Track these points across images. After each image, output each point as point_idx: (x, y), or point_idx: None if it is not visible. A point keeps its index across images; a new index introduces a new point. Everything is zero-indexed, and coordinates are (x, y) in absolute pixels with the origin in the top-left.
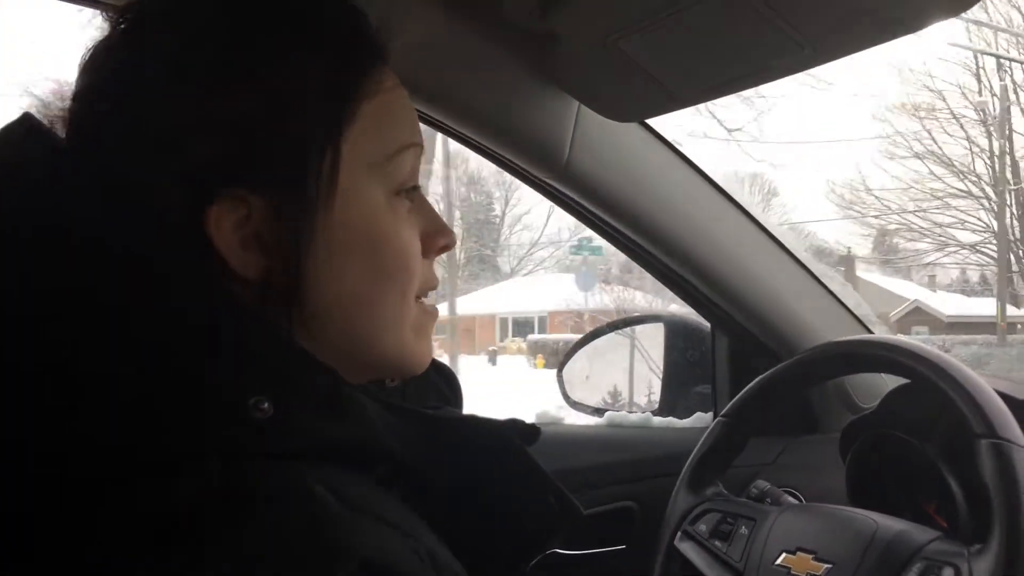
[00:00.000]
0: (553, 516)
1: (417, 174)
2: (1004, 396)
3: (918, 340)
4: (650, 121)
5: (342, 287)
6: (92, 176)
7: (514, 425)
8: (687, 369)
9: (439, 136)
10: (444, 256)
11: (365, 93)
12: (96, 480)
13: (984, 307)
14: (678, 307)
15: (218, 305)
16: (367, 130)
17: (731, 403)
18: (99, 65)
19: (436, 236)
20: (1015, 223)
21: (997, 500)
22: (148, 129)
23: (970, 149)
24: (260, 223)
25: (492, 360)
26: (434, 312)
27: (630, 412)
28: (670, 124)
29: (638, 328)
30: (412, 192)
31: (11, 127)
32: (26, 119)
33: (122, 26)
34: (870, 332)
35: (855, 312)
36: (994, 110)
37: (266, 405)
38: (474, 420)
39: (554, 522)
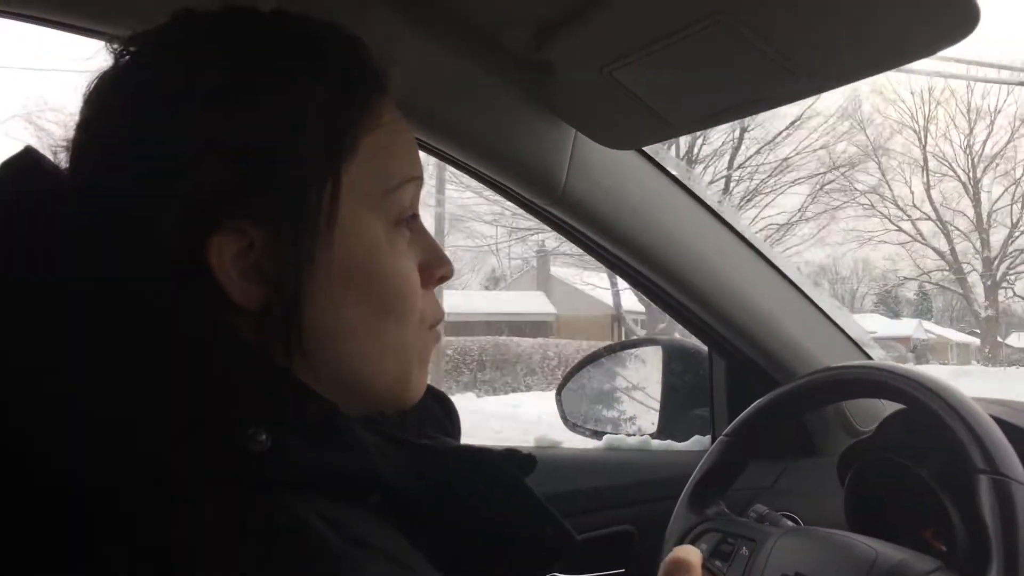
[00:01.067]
0: (550, 546)
1: (417, 204)
2: (1000, 422)
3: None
4: (647, 147)
5: (341, 319)
6: (94, 207)
7: (511, 455)
8: (685, 392)
9: None
10: None
11: (366, 126)
12: (91, 511)
13: None
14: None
15: (216, 336)
16: (367, 163)
17: (733, 423)
18: (103, 95)
19: (434, 266)
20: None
21: (996, 537)
22: (151, 158)
23: None
24: (260, 254)
25: None
26: (439, 341)
27: (628, 435)
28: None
29: (636, 351)
30: (411, 221)
31: (13, 161)
32: (27, 153)
33: (126, 57)
34: (868, 356)
35: (852, 337)
36: None
37: (263, 437)
38: (470, 451)
39: (550, 552)
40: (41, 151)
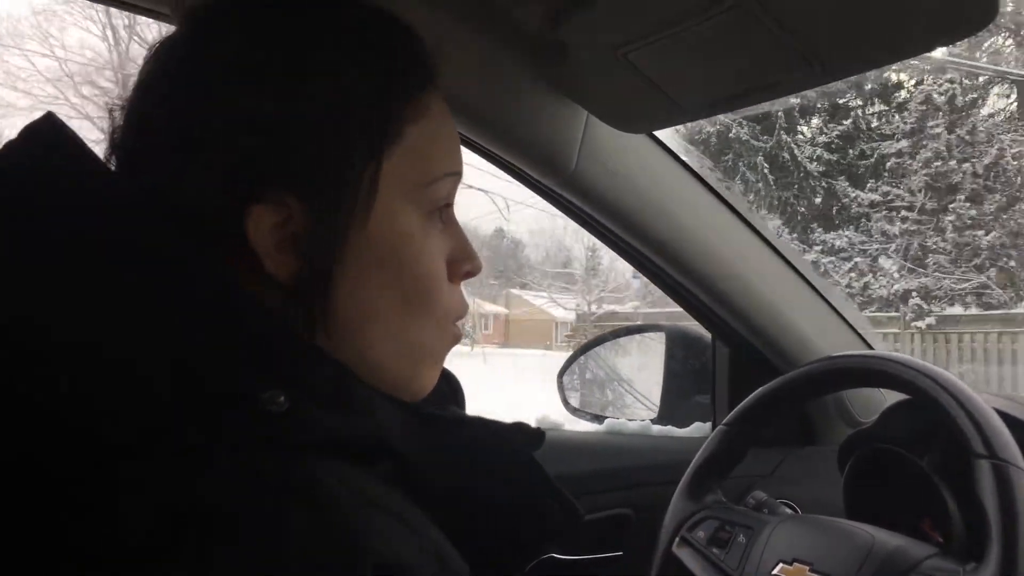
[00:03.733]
0: (554, 518)
1: (452, 198)
2: (1003, 415)
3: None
4: (658, 132)
5: (366, 302)
6: (125, 175)
7: (519, 428)
8: (687, 379)
9: None
10: None
11: (411, 116)
12: (111, 472)
13: None
14: None
15: (238, 301)
16: (410, 153)
17: (733, 412)
18: (161, 60)
19: (463, 261)
20: None
21: (994, 520)
22: (200, 123)
23: None
24: (297, 227)
25: None
26: (460, 337)
27: (629, 420)
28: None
29: (639, 336)
30: (445, 211)
31: (35, 126)
32: (49, 119)
33: (187, 24)
34: (870, 346)
35: (855, 326)
36: None
37: (281, 399)
38: (480, 421)
39: (555, 524)
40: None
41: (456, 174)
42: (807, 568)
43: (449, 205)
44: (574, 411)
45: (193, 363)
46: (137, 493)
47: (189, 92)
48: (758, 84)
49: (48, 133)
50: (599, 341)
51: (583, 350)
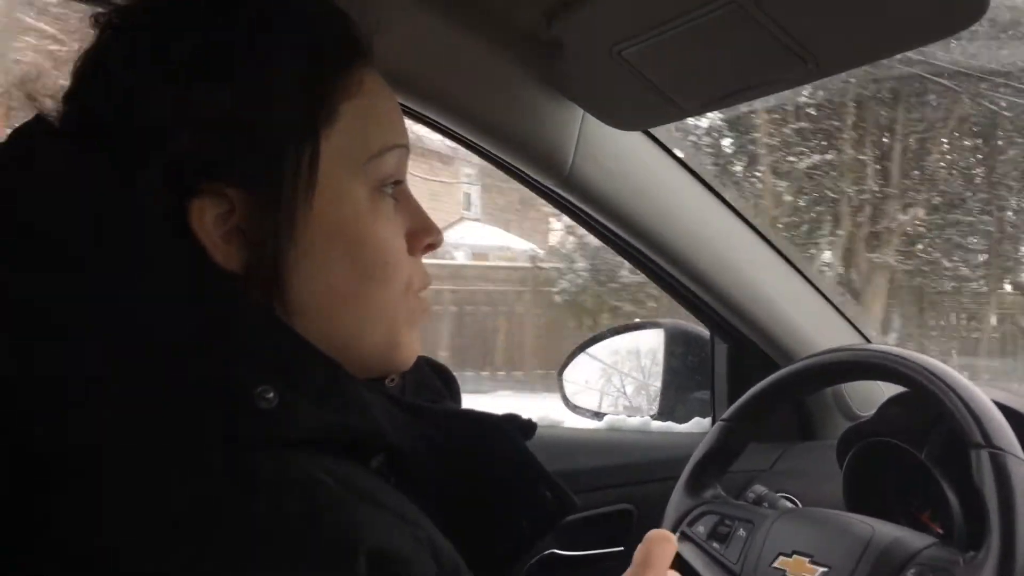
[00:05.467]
0: (548, 509)
1: (403, 171)
2: (1001, 407)
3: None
4: (654, 130)
5: (323, 283)
6: (96, 175)
7: (512, 420)
8: (686, 375)
9: None
10: None
11: (345, 93)
12: (102, 470)
13: None
14: None
15: (220, 296)
16: (348, 130)
17: (731, 407)
18: (89, 64)
19: (422, 234)
20: None
21: (992, 509)
22: (132, 125)
23: None
24: (241, 217)
25: None
26: (427, 307)
27: (629, 417)
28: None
29: (638, 333)
30: (396, 187)
31: (25, 129)
32: (39, 121)
33: (111, 27)
34: (867, 340)
35: (852, 320)
36: None
37: (271, 395)
38: (471, 414)
39: (549, 515)
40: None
41: (400, 146)
42: (807, 560)
43: (400, 181)
44: (575, 408)
45: (181, 360)
46: (124, 495)
47: (113, 99)
48: (753, 81)
49: (37, 135)
50: (598, 338)
51: (582, 347)
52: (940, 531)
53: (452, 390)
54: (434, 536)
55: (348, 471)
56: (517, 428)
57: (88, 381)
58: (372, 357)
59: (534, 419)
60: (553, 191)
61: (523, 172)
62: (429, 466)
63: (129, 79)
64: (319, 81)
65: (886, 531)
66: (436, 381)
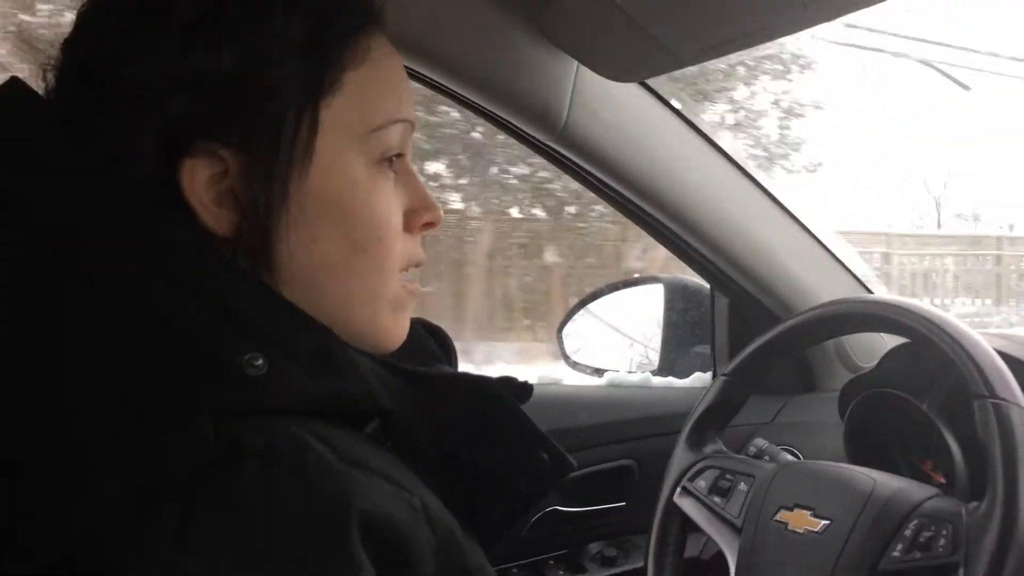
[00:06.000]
0: (546, 472)
1: (406, 146)
2: (1003, 355)
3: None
4: (650, 81)
5: (314, 254)
6: (75, 135)
7: (507, 382)
8: (686, 330)
9: None
10: None
11: (351, 61)
12: (88, 440)
13: None
14: None
15: (207, 261)
16: (351, 99)
17: (732, 362)
18: (89, 17)
19: (421, 212)
20: None
21: (995, 459)
22: (127, 82)
23: None
24: (234, 180)
25: None
26: (415, 290)
27: (629, 373)
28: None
29: (637, 289)
30: (398, 161)
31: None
32: (13, 83)
33: None
34: (869, 291)
35: (854, 271)
36: None
37: (260, 362)
38: (467, 378)
39: (547, 477)
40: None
41: (405, 121)
42: (808, 513)
43: (402, 155)
44: (574, 365)
45: (164, 327)
46: (113, 466)
47: (111, 53)
48: (751, 27)
49: (11, 99)
50: (597, 295)
51: (581, 304)
52: (942, 481)
53: (448, 352)
54: (428, 501)
55: (341, 437)
56: (513, 391)
57: (73, 349)
58: (355, 335)
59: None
60: (548, 146)
61: (518, 128)
62: (424, 430)
63: (126, 36)
64: (324, 47)
65: (888, 482)
66: (432, 343)
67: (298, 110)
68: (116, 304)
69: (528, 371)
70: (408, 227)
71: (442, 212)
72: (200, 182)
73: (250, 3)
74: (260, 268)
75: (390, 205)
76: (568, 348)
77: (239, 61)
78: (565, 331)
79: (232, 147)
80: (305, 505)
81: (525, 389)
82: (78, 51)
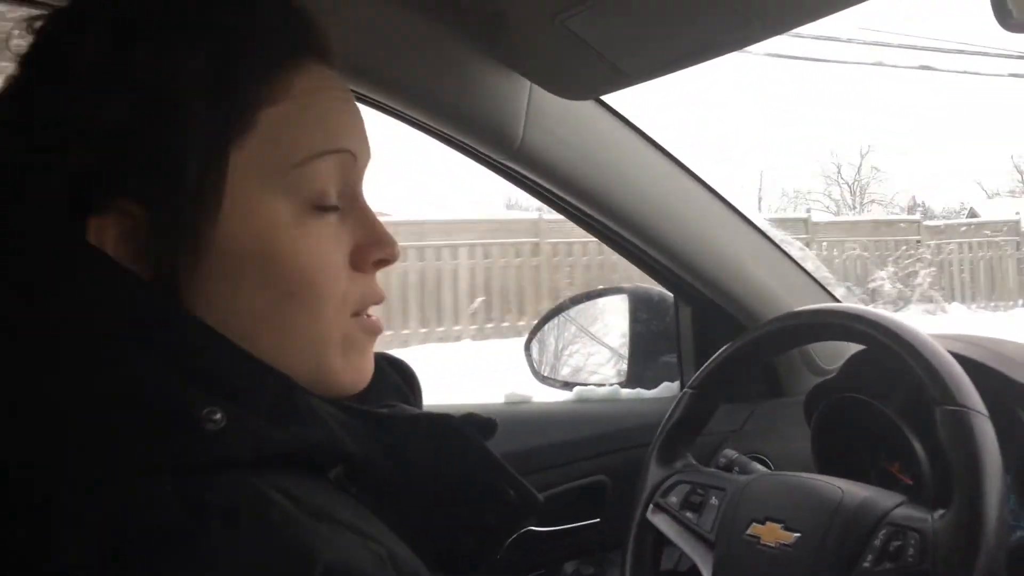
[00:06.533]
0: (513, 508)
1: (349, 179)
2: (959, 357)
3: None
4: (606, 96)
5: (237, 304)
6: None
7: (470, 420)
8: (652, 340)
9: None
10: None
11: (266, 99)
12: (47, 500)
13: None
14: None
15: (158, 314)
16: (267, 138)
17: (697, 374)
18: (12, 73)
19: (371, 249)
20: None
21: (957, 467)
22: (34, 137)
23: None
24: (144, 235)
25: None
26: (374, 328)
27: (598, 386)
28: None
29: (602, 300)
30: (344, 197)
31: None
32: None
33: (35, 35)
34: (833, 296)
35: (816, 277)
36: None
37: (218, 416)
38: (429, 418)
39: (515, 514)
40: None
41: (337, 152)
42: (779, 526)
43: (347, 193)
44: (543, 379)
45: (122, 385)
46: (73, 526)
47: (22, 107)
48: (699, 44)
49: None
50: (561, 308)
51: (546, 318)
52: (910, 482)
53: (412, 387)
54: (395, 548)
55: (304, 487)
56: (477, 427)
57: (28, 406)
58: (305, 382)
59: (493, 417)
60: (504, 164)
61: (472, 147)
62: (389, 472)
63: (26, 91)
64: (233, 87)
65: (855, 492)
66: (396, 378)
67: (202, 156)
68: (68, 360)
69: None
70: (358, 266)
71: (397, 248)
72: (110, 240)
73: (150, 47)
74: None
75: (323, 247)
76: (536, 363)
77: (136, 110)
78: (532, 346)
79: (138, 200)
80: (269, 562)
81: (489, 426)
82: (3, 106)
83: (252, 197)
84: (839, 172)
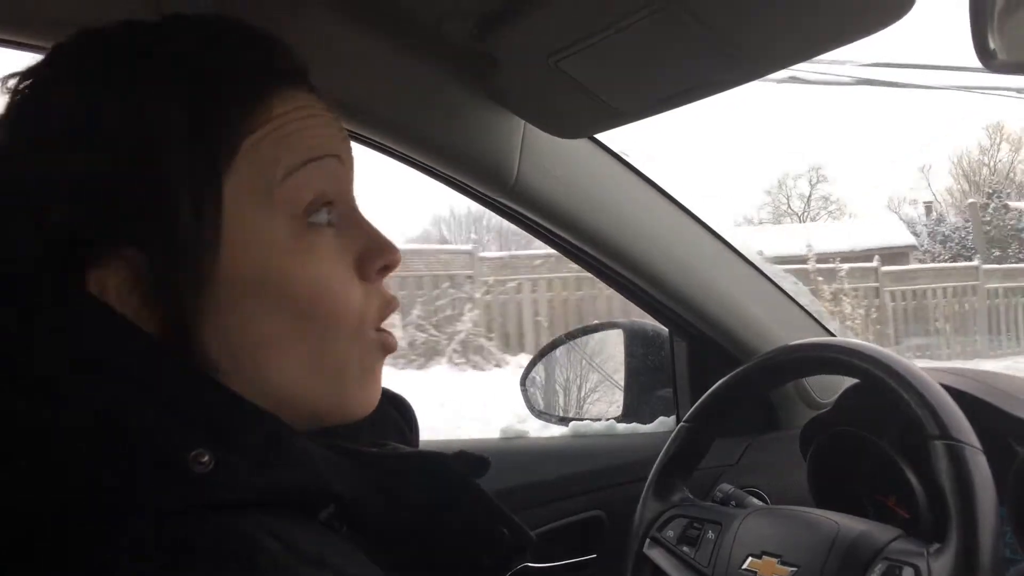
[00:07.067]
0: (506, 547)
1: (338, 187)
2: (952, 391)
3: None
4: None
5: (251, 334)
6: None
7: (463, 458)
8: (648, 374)
9: None
10: None
11: (247, 129)
12: (31, 543)
13: None
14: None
15: (147, 359)
16: (250, 162)
17: (693, 408)
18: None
19: (373, 257)
20: None
21: (953, 501)
22: (17, 198)
23: None
24: (148, 279)
25: None
26: (391, 346)
27: (594, 420)
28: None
29: (597, 336)
30: (336, 207)
31: None
32: None
33: (13, 96)
34: (827, 330)
35: (810, 311)
36: None
37: (206, 458)
38: (420, 456)
39: (509, 553)
40: None
41: (325, 157)
42: (776, 561)
43: (332, 201)
44: (539, 414)
45: (105, 427)
46: (56, 568)
47: (5, 165)
48: (691, 84)
49: None
50: (558, 343)
51: (542, 354)
52: (906, 515)
53: (409, 423)
54: None
55: (292, 530)
56: (469, 466)
57: (15, 446)
58: (318, 410)
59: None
60: (500, 202)
61: (468, 185)
62: (380, 511)
63: (14, 147)
64: (214, 125)
65: (851, 526)
66: (394, 415)
67: (192, 196)
68: (60, 402)
69: None
70: (364, 275)
71: (399, 253)
72: (112, 288)
73: (120, 101)
74: (195, 360)
75: (325, 260)
76: (532, 399)
77: (117, 163)
78: (528, 381)
79: (135, 247)
80: None
81: (481, 463)
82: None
83: (246, 223)
84: None
